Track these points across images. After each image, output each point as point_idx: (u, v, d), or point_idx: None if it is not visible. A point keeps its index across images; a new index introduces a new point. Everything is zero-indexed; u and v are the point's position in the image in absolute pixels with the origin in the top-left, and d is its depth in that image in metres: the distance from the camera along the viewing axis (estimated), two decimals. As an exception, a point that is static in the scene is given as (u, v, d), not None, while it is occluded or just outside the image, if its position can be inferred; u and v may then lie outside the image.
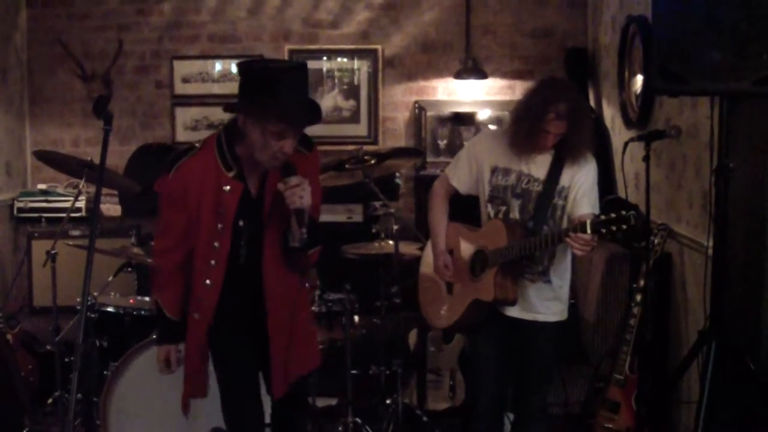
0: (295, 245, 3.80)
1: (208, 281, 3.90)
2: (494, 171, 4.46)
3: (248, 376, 4.07)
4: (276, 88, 3.67)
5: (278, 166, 3.76)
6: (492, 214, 4.47)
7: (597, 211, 4.35)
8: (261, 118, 3.67)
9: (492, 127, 7.99)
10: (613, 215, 3.82)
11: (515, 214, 4.40)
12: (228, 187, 3.82)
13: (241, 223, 3.87)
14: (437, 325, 4.94)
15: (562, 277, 4.47)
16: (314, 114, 3.82)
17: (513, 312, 4.42)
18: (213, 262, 3.88)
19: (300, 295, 4.13)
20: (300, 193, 3.68)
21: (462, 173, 4.58)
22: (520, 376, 4.59)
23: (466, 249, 4.57)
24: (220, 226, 3.84)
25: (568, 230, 3.95)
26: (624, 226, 3.80)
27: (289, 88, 3.70)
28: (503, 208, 4.43)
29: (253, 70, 3.80)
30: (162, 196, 4.00)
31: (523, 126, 4.27)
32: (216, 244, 3.86)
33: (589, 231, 3.87)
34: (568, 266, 4.50)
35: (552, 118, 4.18)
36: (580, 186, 4.34)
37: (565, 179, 4.34)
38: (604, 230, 3.84)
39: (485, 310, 4.44)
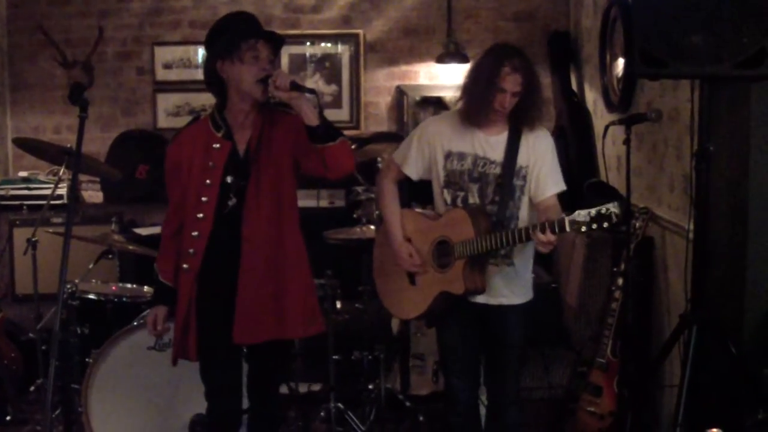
0: (312, 123, 3.90)
1: (195, 233, 4.11)
2: (448, 156, 4.40)
3: (224, 330, 4.10)
4: (232, 21, 4.16)
5: (262, 82, 4.00)
6: (449, 200, 4.42)
7: (563, 185, 4.37)
8: (233, 47, 4.01)
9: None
10: (593, 214, 3.78)
11: (474, 199, 4.36)
12: (217, 145, 4.12)
13: (228, 179, 4.09)
14: (402, 316, 4.89)
15: (524, 258, 4.44)
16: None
17: (479, 298, 4.37)
18: (200, 215, 4.10)
19: (291, 253, 4.20)
20: (284, 74, 3.96)
21: (414, 160, 4.51)
22: (491, 361, 4.56)
23: (426, 238, 4.48)
24: (208, 181, 4.09)
25: (551, 227, 3.91)
26: (605, 224, 3.77)
27: (242, 17, 4.20)
28: (461, 194, 4.38)
29: (212, 27, 4.17)
30: (165, 167, 4.27)
31: (477, 89, 4.25)
32: (204, 198, 4.09)
33: (568, 230, 3.85)
34: (531, 247, 4.41)
35: (507, 72, 4.16)
36: (541, 165, 4.32)
37: (522, 159, 4.31)
38: (584, 229, 3.82)
39: (453, 301, 4.40)
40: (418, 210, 4.73)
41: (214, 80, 4.12)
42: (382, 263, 4.80)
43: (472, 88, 4.31)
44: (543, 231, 3.92)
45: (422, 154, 4.48)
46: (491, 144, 4.34)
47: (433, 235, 4.44)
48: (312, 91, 3.90)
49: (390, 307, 4.80)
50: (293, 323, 4.18)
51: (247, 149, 4.12)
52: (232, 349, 4.13)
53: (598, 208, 3.79)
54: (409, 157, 4.52)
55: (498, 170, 4.32)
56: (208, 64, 4.11)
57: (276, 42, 4.15)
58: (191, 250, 4.11)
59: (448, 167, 4.40)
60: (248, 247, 4.07)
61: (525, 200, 4.35)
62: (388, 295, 4.77)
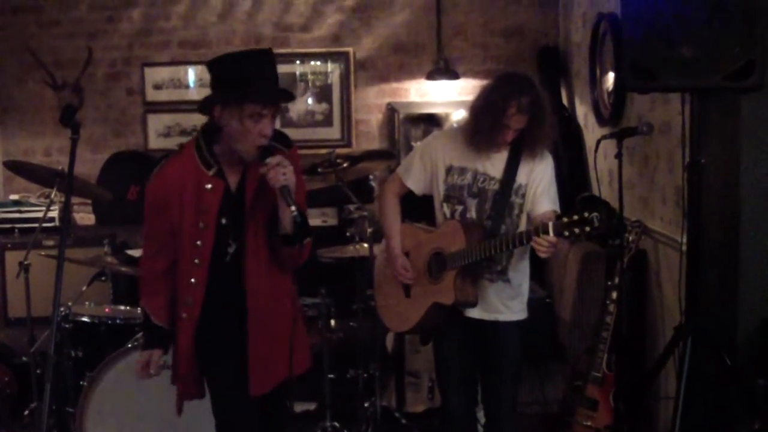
0: (286, 232, 3.77)
1: (193, 280, 3.88)
2: (449, 170, 4.43)
3: (237, 375, 3.96)
4: (246, 72, 3.74)
5: (259, 153, 3.73)
6: (448, 214, 4.44)
7: (557, 207, 4.35)
8: (237, 103, 3.68)
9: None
10: (575, 218, 3.77)
11: (472, 214, 4.38)
12: (210, 186, 3.83)
13: (223, 221, 3.86)
14: (396, 329, 4.89)
15: (521, 274, 4.46)
16: (286, 92, 3.99)
17: (474, 313, 4.40)
18: (197, 261, 3.87)
19: (288, 295, 4.08)
20: (282, 171, 3.67)
21: (417, 174, 4.54)
22: (488, 377, 4.57)
23: (423, 251, 4.52)
24: (202, 224, 3.84)
25: (535, 232, 3.91)
26: (587, 228, 3.75)
27: (258, 69, 3.77)
28: (459, 208, 4.41)
29: (221, 62, 3.82)
30: (145, 203, 3.97)
31: (483, 122, 4.24)
32: (198, 242, 3.85)
33: (551, 234, 3.84)
34: (527, 263, 4.48)
35: (513, 112, 4.16)
36: (539, 183, 4.33)
37: (522, 177, 4.33)
38: (566, 233, 3.79)
39: (445, 314, 4.41)
40: (417, 225, 4.74)
41: (208, 114, 3.83)
42: (382, 278, 4.83)
43: (479, 119, 4.28)
44: (529, 238, 3.92)
45: (425, 167, 4.51)
46: (492, 160, 4.36)
47: (428, 247, 4.47)
48: (294, 212, 3.65)
49: (386, 319, 4.83)
50: (297, 362, 4.05)
51: (239, 187, 3.89)
52: (246, 394, 3.94)
53: (581, 213, 3.79)
54: (411, 170, 4.56)
55: (496, 186, 4.33)
56: (206, 102, 3.81)
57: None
58: (189, 299, 3.91)
59: (449, 181, 4.42)
60: (253, 298, 3.91)
61: (524, 218, 4.36)
62: (385, 308, 4.81)
